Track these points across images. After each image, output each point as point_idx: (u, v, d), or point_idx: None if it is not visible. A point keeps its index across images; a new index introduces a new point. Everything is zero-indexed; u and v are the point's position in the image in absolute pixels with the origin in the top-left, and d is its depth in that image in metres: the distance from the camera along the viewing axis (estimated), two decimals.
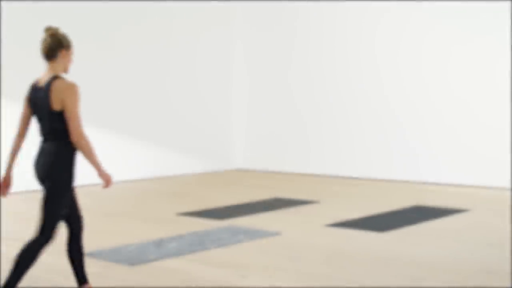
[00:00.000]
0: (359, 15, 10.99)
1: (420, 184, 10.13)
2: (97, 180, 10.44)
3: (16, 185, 9.59)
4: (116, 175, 10.83)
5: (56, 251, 5.95)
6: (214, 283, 4.87)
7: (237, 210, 8.01)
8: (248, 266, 5.31)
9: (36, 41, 9.88)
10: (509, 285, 4.74)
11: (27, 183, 9.68)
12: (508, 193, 9.14)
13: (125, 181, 10.89)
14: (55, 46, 4.05)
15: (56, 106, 3.97)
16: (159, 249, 5.89)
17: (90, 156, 3.99)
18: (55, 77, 4.00)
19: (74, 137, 3.96)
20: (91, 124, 10.43)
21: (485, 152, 9.78)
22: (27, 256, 3.91)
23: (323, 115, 11.43)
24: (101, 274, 5.12)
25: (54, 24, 10.01)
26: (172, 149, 11.44)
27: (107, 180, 4.04)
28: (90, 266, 5.34)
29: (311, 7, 11.56)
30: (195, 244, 6.13)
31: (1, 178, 4.16)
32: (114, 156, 10.82)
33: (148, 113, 11.18)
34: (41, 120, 4.07)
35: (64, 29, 10.13)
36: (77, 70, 10.26)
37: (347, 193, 9.46)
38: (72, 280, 4.97)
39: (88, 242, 6.25)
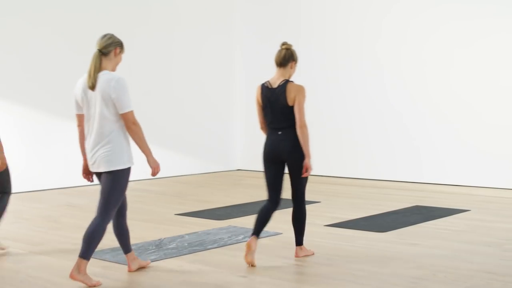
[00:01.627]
0: (361, 16, 10.98)
1: (420, 184, 10.13)
2: (96, 180, 10.39)
3: (14, 185, 9.58)
4: None
5: (51, 250, 5.95)
6: (214, 283, 4.87)
7: (237, 210, 8.00)
8: (248, 266, 5.30)
9: (23, 40, 9.86)
10: (509, 285, 4.73)
11: (23, 183, 9.68)
12: (508, 193, 9.13)
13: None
14: (288, 57, 5.38)
15: (290, 102, 5.25)
16: (159, 249, 5.89)
17: (306, 141, 5.27)
18: (287, 81, 5.33)
19: (299, 123, 5.23)
20: None
21: (486, 153, 9.77)
22: (303, 222, 5.53)
23: (324, 115, 11.42)
24: (101, 274, 5.12)
25: (55, 21, 10.02)
26: (172, 150, 11.43)
27: (306, 168, 5.28)
28: (90, 266, 5.34)
29: (313, 11, 11.56)
30: (195, 244, 6.12)
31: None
32: None
33: (148, 115, 11.17)
34: (274, 114, 5.31)
35: (65, 30, 10.13)
36: (77, 70, 10.25)
37: (348, 193, 9.46)
38: (61, 277, 4.96)
39: None
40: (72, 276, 4.77)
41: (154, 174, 4.89)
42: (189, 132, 11.78)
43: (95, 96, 4.73)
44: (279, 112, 5.30)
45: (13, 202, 8.76)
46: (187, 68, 11.73)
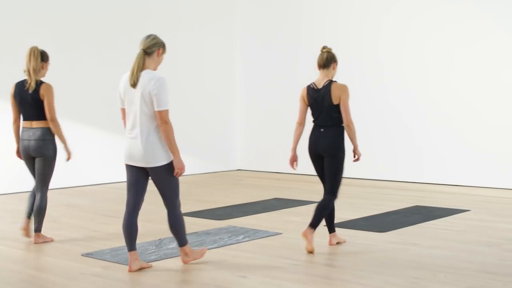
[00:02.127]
0: (361, 18, 10.98)
1: (421, 184, 10.13)
2: (97, 180, 10.42)
3: (14, 185, 9.59)
4: (116, 176, 10.82)
5: (51, 250, 5.95)
6: (214, 283, 4.87)
7: (237, 210, 8.00)
8: (248, 266, 5.31)
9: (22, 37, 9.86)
10: (509, 285, 4.73)
11: (23, 183, 9.68)
12: (508, 193, 9.14)
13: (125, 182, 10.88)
14: (330, 59, 5.77)
15: (335, 101, 5.66)
16: (159, 249, 5.89)
17: (354, 135, 5.77)
18: (331, 81, 5.73)
19: (346, 122, 5.68)
20: (91, 125, 10.42)
21: (486, 153, 9.77)
22: (324, 211, 5.82)
23: None
24: (101, 274, 5.12)
25: (56, 22, 10.02)
26: None
27: (358, 156, 5.90)
28: (90, 266, 5.34)
29: (313, 12, 11.56)
30: (195, 244, 6.12)
31: (290, 156, 5.94)
32: (115, 157, 10.80)
33: None
34: (319, 112, 5.74)
35: (66, 31, 10.13)
36: (77, 70, 10.26)
37: (348, 193, 9.45)
38: (61, 277, 4.96)
39: (88, 242, 6.25)
40: (184, 261, 5.32)
41: (178, 174, 5.06)
42: (189, 132, 11.77)
43: (136, 93, 4.99)
44: (324, 111, 5.71)
45: (13, 202, 8.79)
46: (188, 68, 11.73)
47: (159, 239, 6.30)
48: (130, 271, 5.12)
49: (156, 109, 4.95)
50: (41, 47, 9.94)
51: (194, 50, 11.83)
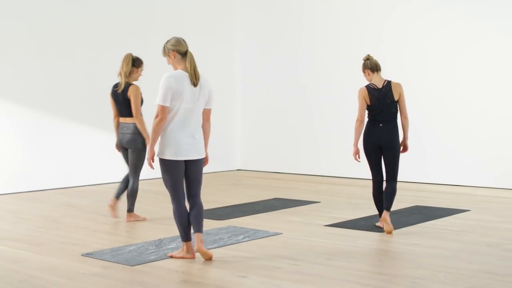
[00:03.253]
0: (363, 20, 10.98)
1: (421, 184, 10.13)
2: (97, 180, 10.42)
3: (14, 185, 9.59)
4: (116, 176, 10.80)
5: (51, 250, 5.95)
6: (214, 283, 4.87)
7: (237, 210, 8.00)
8: (248, 266, 5.31)
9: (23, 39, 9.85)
10: (509, 285, 4.73)
11: (25, 183, 9.68)
12: (508, 193, 9.13)
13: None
14: (379, 64, 6.55)
15: (396, 97, 6.43)
16: (159, 249, 5.89)
17: (408, 127, 6.58)
18: (390, 81, 6.48)
19: (405, 114, 6.51)
20: (91, 124, 10.42)
21: (486, 153, 9.77)
22: (394, 195, 6.74)
23: (328, 117, 11.42)
24: (101, 274, 5.12)
25: (59, 24, 10.03)
26: None
27: (407, 148, 6.60)
28: (90, 266, 5.34)
29: (314, 16, 11.56)
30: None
31: (354, 151, 6.62)
32: (115, 157, 10.79)
33: (150, 116, 11.16)
34: (380, 109, 6.42)
35: (68, 33, 10.13)
36: (78, 71, 10.26)
37: (348, 193, 9.45)
38: (61, 277, 4.96)
39: (88, 242, 6.25)
40: (198, 248, 5.41)
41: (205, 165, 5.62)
42: None
43: (196, 92, 5.35)
44: (386, 107, 6.44)
45: (13, 202, 8.79)
46: None
47: (159, 239, 6.30)
48: (196, 249, 5.42)
49: (209, 107, 5.48)
50: (43, 47, 10.04)
51: (195, 52, 11.77)
